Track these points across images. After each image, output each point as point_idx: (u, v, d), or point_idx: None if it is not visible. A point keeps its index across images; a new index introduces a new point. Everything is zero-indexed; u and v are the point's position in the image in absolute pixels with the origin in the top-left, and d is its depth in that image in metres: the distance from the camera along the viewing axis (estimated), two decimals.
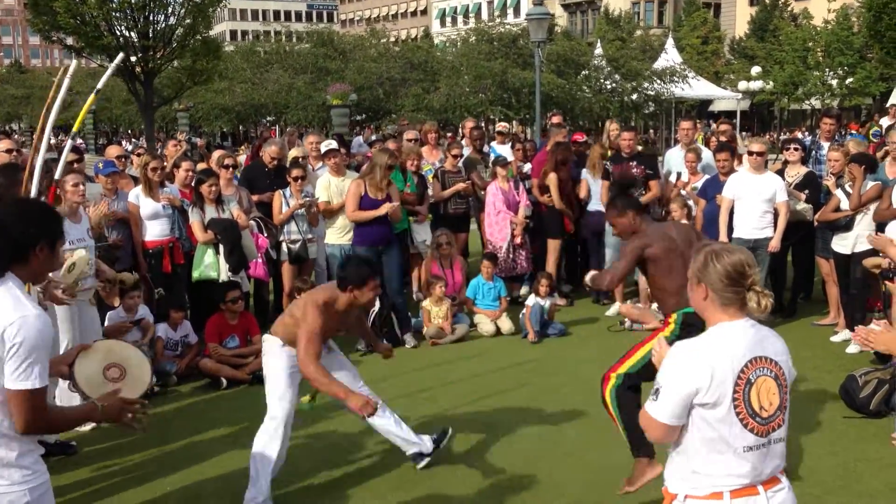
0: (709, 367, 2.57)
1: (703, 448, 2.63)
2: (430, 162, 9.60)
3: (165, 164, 8.19)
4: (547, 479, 4.97)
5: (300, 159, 8.69)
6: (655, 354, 2.89)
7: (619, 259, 5.08)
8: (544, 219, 9.27)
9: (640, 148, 9.00)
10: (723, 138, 9.46)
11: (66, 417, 3.09)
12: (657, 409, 2.65)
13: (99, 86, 4.79)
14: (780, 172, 8.59)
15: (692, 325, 4.30)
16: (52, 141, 8.57)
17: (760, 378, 2.62)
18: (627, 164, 8.53)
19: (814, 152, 9.42)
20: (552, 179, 9.12)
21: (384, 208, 7.53)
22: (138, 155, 9.09)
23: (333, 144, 8.43)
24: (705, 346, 2.64)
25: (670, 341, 4.34)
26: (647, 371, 4.32)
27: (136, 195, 7.46)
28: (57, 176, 4.62)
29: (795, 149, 8.64)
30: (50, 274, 4.63)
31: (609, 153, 9.27)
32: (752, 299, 2.64)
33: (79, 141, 33.28)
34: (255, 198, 8.36)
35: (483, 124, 23.68)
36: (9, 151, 7.17)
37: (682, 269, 3.93)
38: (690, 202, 8.63)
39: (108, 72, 5.09)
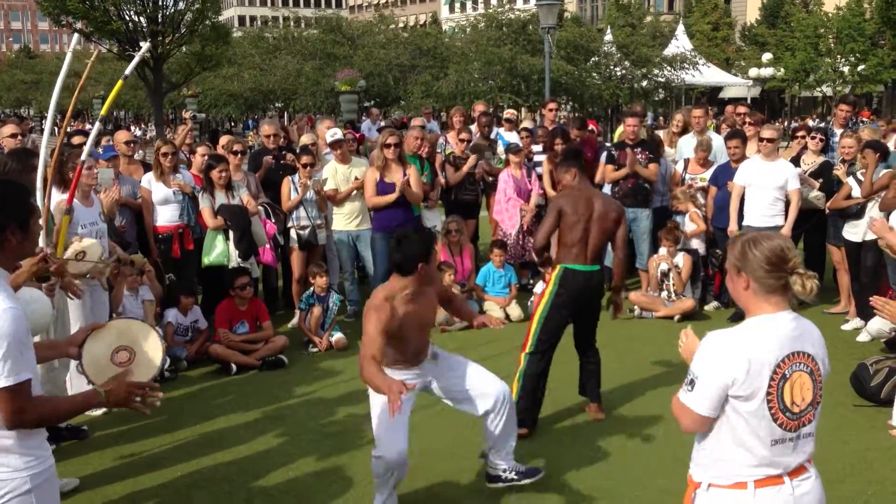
0: (745, 360, 2.53)
1: (730, 438, 2.61)
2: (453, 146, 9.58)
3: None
4: (557, 465, 4.98)
5: (310, 146, 8.68)
6: (682, 346, 2.86)
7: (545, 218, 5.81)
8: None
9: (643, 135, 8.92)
10: (749, 120, 9.24)
11: (58, 409, 2.75)
12: (693, 400, 2.61)
13: (126, 72, 5.04)
14: (797, 159, 8.54)
15: (565, 282, 5.54)
16: (70, 128, 8.63)
17: (796, 373, 2.58)
18: (632, 151, 8.50)
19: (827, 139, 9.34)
20: (544, 167, 9.10)
21: (398, 186, 7.65)
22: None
23: (339, 134, 8.44)
24: (743, 337, 2.58)
25: (555, 299, 5.58)
26: (546, 336, 5.63)
27: (149, 180, 7.49)
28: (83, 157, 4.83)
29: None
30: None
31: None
32: (797, 282, 2.57)
33: (87, 125, 33.51)
34: (256, 174, 8.43)
35: (493, 110, 23.58)
36: (13, 136, 7.19)
37: (581, 231, 5.47)
38: (698, 194, 8.63)
39: (136, 59, 5.23)
